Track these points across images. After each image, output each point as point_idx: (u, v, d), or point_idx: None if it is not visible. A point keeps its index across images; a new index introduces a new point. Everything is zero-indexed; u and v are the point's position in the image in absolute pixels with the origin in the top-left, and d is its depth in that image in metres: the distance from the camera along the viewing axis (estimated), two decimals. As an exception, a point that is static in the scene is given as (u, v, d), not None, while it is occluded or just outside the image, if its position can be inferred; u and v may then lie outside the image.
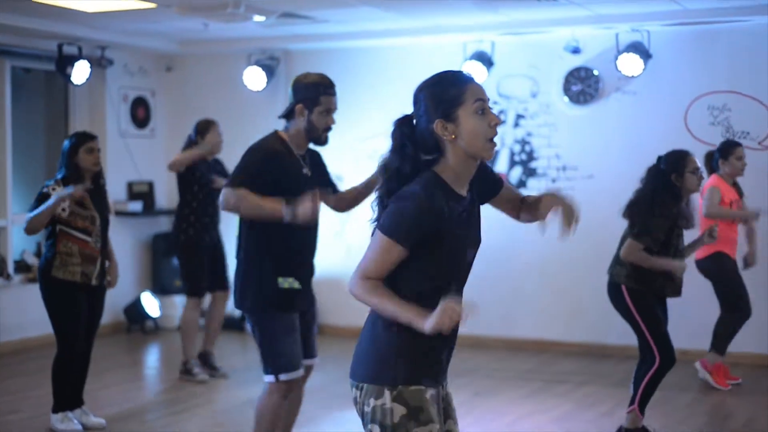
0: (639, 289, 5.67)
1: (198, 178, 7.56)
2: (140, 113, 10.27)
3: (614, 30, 8.52)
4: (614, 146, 8.73)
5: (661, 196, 5.64)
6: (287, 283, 4.69)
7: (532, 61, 9.05)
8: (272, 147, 4.70)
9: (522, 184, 9.11)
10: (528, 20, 8.61)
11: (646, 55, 8.38)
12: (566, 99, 8.93)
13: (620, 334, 8.51)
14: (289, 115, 4.77)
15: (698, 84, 8.46)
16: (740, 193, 7.41)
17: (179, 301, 9.94)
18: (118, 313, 9.80)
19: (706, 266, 7.35)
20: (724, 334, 7.35)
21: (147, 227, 10.24)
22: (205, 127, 7.67)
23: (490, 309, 9.13)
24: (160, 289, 10.06)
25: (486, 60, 8.92)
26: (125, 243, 9.96)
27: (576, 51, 8.71)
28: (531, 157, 9.09)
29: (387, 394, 2.91)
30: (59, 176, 6.07)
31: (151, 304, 9.84)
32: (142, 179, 10.18)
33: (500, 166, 9.19)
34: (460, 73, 3.03)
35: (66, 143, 6.16)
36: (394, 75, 9.46)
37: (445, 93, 2.94)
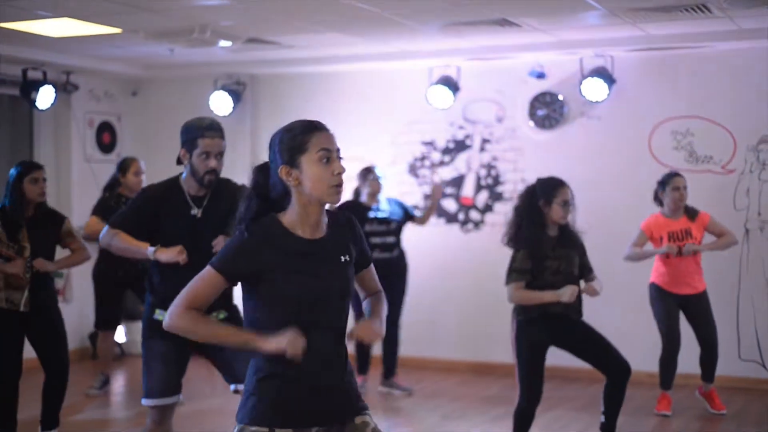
0: (523, 320, 5.70)
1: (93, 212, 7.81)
2: (106, 138, 10.22)
3: (578, 55, 8.60)
4: (579, 170, 8.77)
5: (526, 221, 5.68)
6: (162, 316, 4.71)
7: (497, 86, 9.10)
8: (155, 191, 4.83)
9: (488, 208, 9.14)
10: (493, 46, 8.67)
11: (610, 80, 8.45)
12: (531, 123, 8.98)
13: (587, 357, 8.56)
14: (178, 161, 4.86)
15: (662, 109, 8.54)
16: (692, 217, 7.34)
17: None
18: (83, 339, 9.71)
19: (650, 294, 7.43)
20: (661, 367, 7.38)
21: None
22: (125, 166, 7.91)
23: (456, 332, 9.14)
24: (126, 315, 9.95)
25: (452, 85, 8.96)
26: (89, 268, 9.88)
27: (541, 76, 8.78)
28: (497, 181, 9.13)
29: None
30: (1, 205, 6.03)
31: (117, 330, 9.74)
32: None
33: (467, 190, 9.22)
34: (310, 122, 3.14)
35: (12, 172, 6.10)
36: (361, 100, 9.49)
37: (291, 141, 3.08)
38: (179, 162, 4.83)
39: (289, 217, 3.09)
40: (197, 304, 3.05)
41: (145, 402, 4.80)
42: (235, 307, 4.93)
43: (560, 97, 8.86)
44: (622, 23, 7.64)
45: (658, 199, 7.40)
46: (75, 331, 9.27)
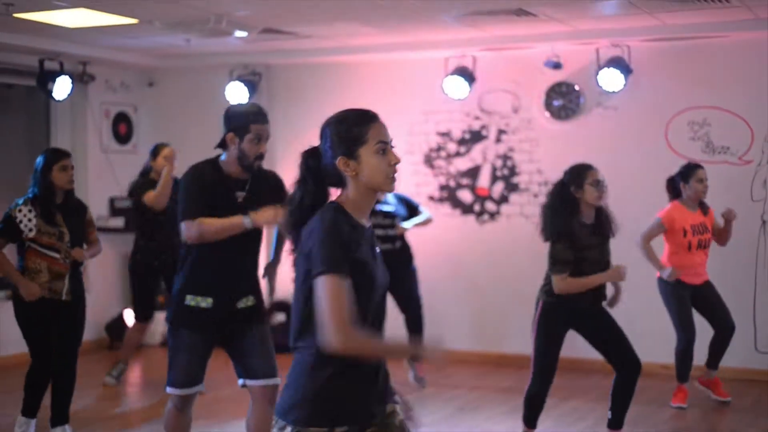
0: (553, 303, 5.70)
1: (140, 193, 7.78)
2: (122, 129, 10.25)
3: (594, 45, 8.56)
4: (595, 161, 8.61)
5: (558, 209, 5.66)
6: (195, 301, 4.75)
7: (513, 76, 9.08)
8: (199, 169, 4.82)
9: (504, 199, 9.12)
10: (509, 36, 8.64)
11: (626, 70, 8.42)
12: (548, 114, 8.96)
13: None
14: (222, 144, 4.83)
15: (678, 99, 8.50)
16: (705, 211, 7.33)
17: (162, 317, 9.89)
18: (100, 330, 9.76)
19: (659, 286, 7.35)
20: (678, 360, 7.35)
21: (129, 243, 10.14)
22: (156, 151, 7.91)
23: (471, 323, 9.14)
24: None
25: (468, 75, 8.94)
26: (107, 259, 9.92)
27: (557, 66, 8.74)
28: (513, 172, 9.11)
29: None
30: (30, 195, 6.02)
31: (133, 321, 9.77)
32: (124, 195, 10.12)
33: (482, 181, 9.21)
34: (364, 112, 3.13)
35: (39, 160, 6.10)
36: (377, 90, 9.47)
37: (348, 132, 3.06)
38: (221, 146, 4.82)
39: (349, 205, 3.08)
40: (350, 319, 2.89)
41: (169, 390, 4.85)
42: (260, 291, 4.97)
43: (576, 88, 8.83)
44: (638, 13, 7.60)
45: (675, 190, 7.32)
46: (92, 322, 9.26)
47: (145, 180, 7.89)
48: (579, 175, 5.68)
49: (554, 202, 5.71)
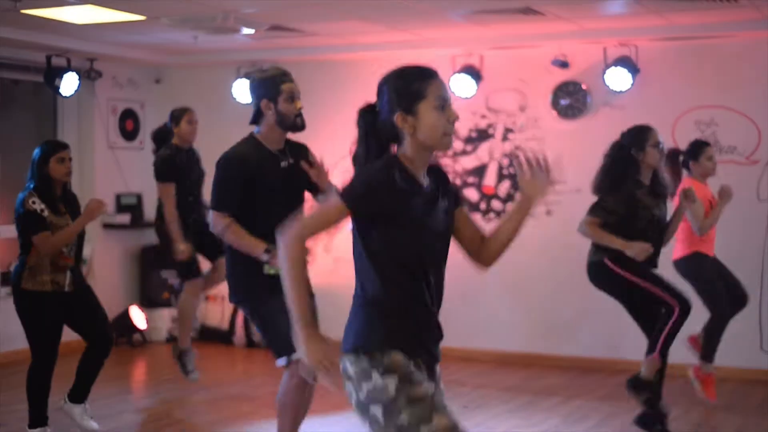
0: (618, 255, 5.67)
1: (178, 170, 7.59)
2: (129, 125, 10.26)
3: (602, 44, 8.55)
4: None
5: (619, 170, 5.66)
6: (273, 269, 4.71)
7: (520, 75, 9.07)
8: (240, 153, 4.78)
9: (510, 197, 9.12)
10: (516, 34, 8.63)
11: (634, 69, 8.41)
12: (555, 113, 8.95)
13: (608, 348, 8.54)
14: (257, 116, 4.81)
15: (686, 99, 8.49)
16: None
17: (167, 313, 9.92)
18: (105, 326, 9.75)
19: (683, 267, 7.19)
20: (710, 338, 7.28)
21: (135, 239, 10.21)
22: (178, 115, 7.68)
23: (477, 321, 9.14)
24: (148, 302, 10.03)
25: (474, 74, 8.94)
26: (113, 255, 9.95)
27: (564, 65, 8.73)
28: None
29: (375, 374, 2.97)
30: (31, 186, 5.99)
31: (138, 317, 9.81)
32: (130, 191, 10.16)
33: (489, 179, 9.20)
34: (424, 68, 3.12)
35: (36, 152, 6.05)
36: (383, 88, 9.46)
37: (407, 87, 3.05)
38: (255, 121, 4.82)
39: (406, 160, 3.08)
40: (313, 236, 3.02)
41: (296, 355, 4.54)
42: None
43: (583, 87, 8.82)
44: (646, 12, 7.59)
45: (684, 166, 7.23)
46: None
47: (169, 150, 7.57)
48: (641, 136, 5.68)
49: (615, 163, 5.70)
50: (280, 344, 4.65)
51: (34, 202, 5.91)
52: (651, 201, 5.70)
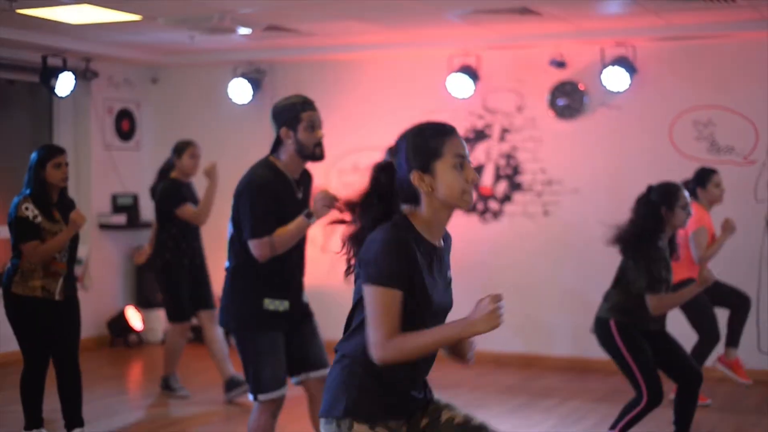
0: (627, 323, 5.63)
1: (175, 204, 7.49)
2: (125, 125, 10.23)
3: (600, 44, 8.54)
4: (600, 160, 8.73)
5: (649, 230, 5.61)
6: (273, 305, 4.69)
7: (517, 75, 9.05)
8: (263, 177, 4.70)
9: (507, 198, 9.10)
10: (513, 34, 8.62)
11: (631, 69, 8.39)
12: (552, 113, 8.93)
13: (605, 348, 8.52)
14: (277, 144, 4.76)
15: (683, 99, 8.48)
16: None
17: (163, 314, 9.89)
18: (101, 327, 9.75)
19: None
20: (698, 358, 7.31)
21: (131, 240, 10.19)
22: (181, 148, 7.57)
23: (475, 323, 9.11)
24: (144, 303, 10.01)
25: (472, 74, 8.92)
26: (109, 256, 9.92)
27: (561, 65, 8.72)
28: (516, 171, 9.09)
29: None
30: (27, 192, 5.90)
31: (134, 318, 9.79)
32: (126, 192, 10.13)
33: (486, 180, 9.18)
34: (442, 125, 3.02)
35: (33, 157, 5.96)
36: (380, 88, 9.46)
37: (424, 145, 2.96)
38: (275, 149, 4.76)
39: (419, 222, 2.98)
40: (395, 332, 2.88)
41: (263, 397, 4.67)
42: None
43: (581, 87, 8.81)
44: (643, 12, 7.58)
45: (692, 194, 7.27)
46: (93, 319, 9.30)
47: (171, 184, 7.50)
48: (671, 196, 5.62)
49: (647, 220, 5.64)
50: (255, 384, 4.71)
51: (27, 208, 5.83)
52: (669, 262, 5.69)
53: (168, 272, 7.53)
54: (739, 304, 7.33)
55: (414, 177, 2.94)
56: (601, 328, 5.72)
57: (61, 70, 8.89)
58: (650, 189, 5.74)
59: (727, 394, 7.70)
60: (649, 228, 5.60)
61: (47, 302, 5.93)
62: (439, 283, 3.05)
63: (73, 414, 6.10)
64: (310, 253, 5.16)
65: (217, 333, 7.54)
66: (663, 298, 5.53)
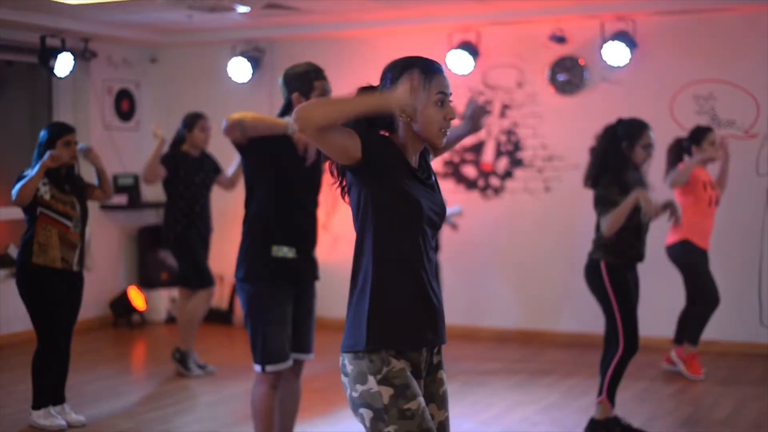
0: (617, 265, 5.64)
1: (182, 178, 7.53)
2: (125, 105, 10.21)
3: (600, 19, 8.50)
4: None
5: (609, 163, 5.64)
6: (281, 252, 4.71)
7: (517, 50, 9.02)
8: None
9: (508, 174, 9.09)
10: (513, 10, 8.59)
11: (632, 44, 8.36)
12: (552, 89, 8.91)
13: (607, 323, 8.54)
14: (287, 108, 4.80)
15: (684, 73, 8.45)
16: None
17: (166, 294, 9.92)
18: (104, 307, 9.76)
19: (673, 253, 7.37)
20: (694, 326, 7.35)
21: (133, 220, 10.19)
22: (191, 122, 7.60)
23: (476, 298, 9.13)
24: (147, 283, 10.03)
25: (472, 50, 8.89)
26: (111, 236, 9.93)
27: (561, 40, 8.68)
28: (517, 147, 9.07)
29: (371, 379, 2.96)
30: (37, 167, 5.96)
31: (137, 298, 9.80)
32: (127, 172, 10.12)
33: (487, 156, 9.17)
34: (429, 61, 3.11)
35: (43, 134, 6.04)
36: (379, 65, 9.39)
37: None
38: (286, 111, 4.79)
39: (398, 144, 3.08)
40: (324, 122, 2.92)
41: (271, 368, 4.69)
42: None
43: (581, 62, 8.78)
44: (644, -14, 7.54)
45: (679, 153, 7.32)
46: (95, 299, 9.30)
47: (176, 152, 7.61)
48: (633, 133, 5.65)
49: (605, 152, 5.67)
50: (263, 354, 4.71)
51: (45, 183, 5.90)
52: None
53: (182, 242, 7.59)
54: (708, 300, 7.33)
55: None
56: (590, 269, 5.75)
57: (60, 51, 8.87)
58: (618, 122, 5.76)
59: (728, 368, 7.72)
60: (610, 161, 5.62)
61: (66, 273, 6.00)
62: (424, 195, 3.08)
63: (60, 390, 6.16)
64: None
65: (203, 311, 7.65)
66: (613, 217, 5.53)
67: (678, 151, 7.39)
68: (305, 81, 4.74)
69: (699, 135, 7.32)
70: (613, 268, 5.64)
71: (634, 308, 5.69)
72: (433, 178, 3.20)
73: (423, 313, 3.06)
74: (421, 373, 3.09)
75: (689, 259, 7.31)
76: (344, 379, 3.04)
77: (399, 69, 3.09)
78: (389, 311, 3.00)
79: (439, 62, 3.12)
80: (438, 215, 3.12)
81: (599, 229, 5.69)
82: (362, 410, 2.99)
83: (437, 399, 3.15)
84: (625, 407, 6.35)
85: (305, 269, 4.85)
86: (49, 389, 6.10)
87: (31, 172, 5.89)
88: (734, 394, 6.97)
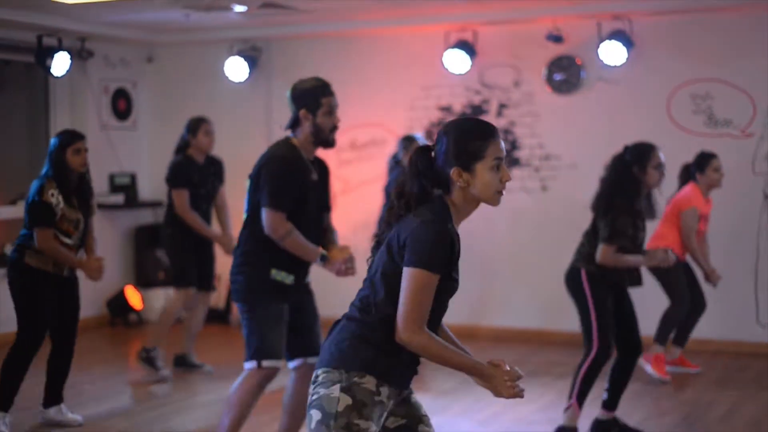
0: (597, 274, 5.65)
1: (187, 182, 7.48)
2: (121, 105, 10.20)
3: (596, 18, 8.51)
4: (597, 135, 8.71)
5: (622, 189, 5.63)
6: (280, 276, 4.78)
7: (514, 50, 9.02)
8: (287, 155, 4.80)
9: (505, 173, 9.10)
10: (510, 9, 8.59)
11: (628, 43, 8.37)
12: (549, 88, 8.91)
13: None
14: (294, 124, 4.84)
15: (681, 72, 8.46)
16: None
17: (163, 293, 9.90)
18: (101, 307, 9.76)
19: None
20: (662, 326, 7.43)
21: (129, 220, 10.19)
22: (195, 126, 7.56)
23: (473, 299, 9.13)
24: (144, 282, 10.02)
25: (468, 49, 8.89)
26: (107, 236, 9.89)
27: (558, 40, 8.69)
28: (514, 146, 9.08)
29: (336, 387, 3.02)
30: (50, 175, 5.93)
31: (134, 297, 9.80)
32: (124, 171, 10.12)
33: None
34: (486, 125, 3.16)
35: (53, 141, 6.03)
36: (377, 65, 9.43)
37: (468, 145, 3.09)
38: (293, 126, 4.84)
39: (452, 208, 3.13)
40: (426, 317, 3.03)
41: (267, 363, 4.72)
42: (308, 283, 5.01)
43: (578, 61, 8.79)
44: (640, -14, 7.55)
45: (691, 176, 7.34)
46: (93, 298, 9.29)
47: (181, 162, 7.49)
48: (643, 156, 5.64)
49: (618, 179, 5.66)
50: (260, 350, 4.74)
51: (53, 195, 5.89)
52: (641, 222, 5.68)
53: (174, 241, 7.58)
54: (677, 304, 7.40)
55: (454, 173, 3.09)
56: (571, 276, 5.77)
57: (57, 50, 8.85)
58: (626, 149, 5.77)
59: (725, 367, 7.74)
60: (623, 187, 5.62)
61: (56, 278, 6.01)
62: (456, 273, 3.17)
63: (58, 390, 6.18)
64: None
65: (202, 315, 7.73)
66: (616, 255, 5.54)
67: (686, 175, 7.43)
68: (313, 97, 4.80)
69: (703, 162, 7.35)
70: (593, 277, 5.66)
71: (610, 317, 5.69)
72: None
73: (405, 362, 3.13)
74: (389, 407, 3.14)
75: (671, 270, 7.31)
76: (310, 389, 3.11)
77: (454, 135, 3.12)
78: (381, 352, 3.06)
79: (494, 126, 3.18)
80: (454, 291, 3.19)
81: (588, 239, 5.70)
82: (312, 411, 3.04)
83: (424, 419, 3.23)
84: (622, 407, 6.34)
85: (299, 294, 4.93)
86: (15, 394, 6.00)
87: (68, 257, 5.95)
88: (731, 394, 6.98)
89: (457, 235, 3.11)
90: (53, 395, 6.19)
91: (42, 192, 5.87)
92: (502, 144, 3.15)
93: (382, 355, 3.05)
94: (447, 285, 3.07)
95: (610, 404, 5.88)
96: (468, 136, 3.10)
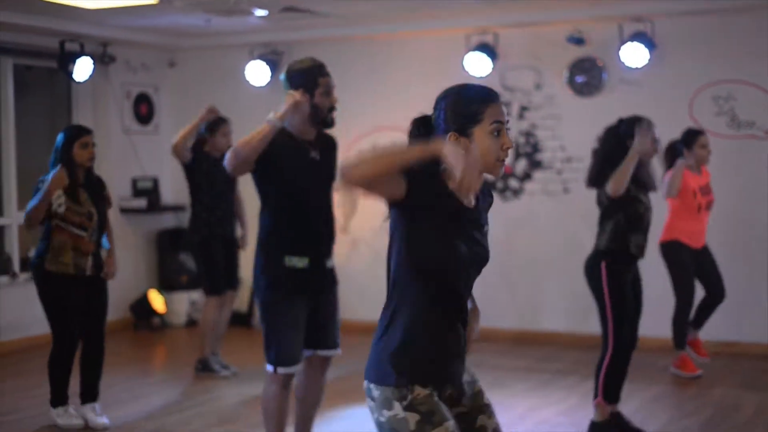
0: (617, 268, 5.63)
1: (205, 174, 7.55)
2: (143, 109, 10.25)
3: (618, 20, 8.48)
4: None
5: (615, 162, 5.63)
6: (291, 262, 4.72)
7: (536, 52, 9.01)
8: (274, 139, 4.70)
9: (527, 176, 9.08)
10: (531, 11, 8.58)
11: (650, 45, 8.34)
12: (570, 90, 8.89)
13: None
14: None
15: (703, 74, 8.42)
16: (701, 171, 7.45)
17: (186, 297, 9.94)
18: (124, 310, 9.80)
19: (663, 250, 7.42)
20: (676, 326, 7.40)
21: (152, 223, 10.23)
22: (214, 126, 7.63)
23: (495, 301, 9.12)
24: (167, 286, 10.06)
25: (490, 52, 8.88)
26: (130, 239, 9.95)
27: (580, 42, 8.66)
28: (536, 149, 9.06)
29: (397, 405, 2.92)
30: (57, 168, 6.00)
31: (157, 301, 9.84)
32: (146, 175, 10.17)
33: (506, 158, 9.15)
34: (484, 89, 3.02)
35: (60, 137, 6.08)
36: (398, 68, 9.43)
37: (465, 108, 2.95)
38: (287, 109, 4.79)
39: (449, 178, 2.96)
40: (368, 177, 2.76)
41: (282, 370, 4.73)
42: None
43: (599, 64, 8.76)
44: (662, -13, 7.52)
45: (680, 154, 7.32)
46: (116, 302, 9.30)
47: (199, 154, 7.59)
48: (635, 129, 5.65)
49: (612, 153, 5.67)
50: (276, 357, 4.74)
51: (59, 197, 5.94)
52: (639, 193, 5.67)
53: (206, 246, 7.62)
54: (714, 293, 7.39)
55: (450, 137, 2.93)
56: (590, 267, 5.77)
57: (79, 56, 8.91)
58: (620, 121, 5.77)
59: (748, 370, 7.69)
60: (615, 160, 5.62)
61: (79, 279, 6.08)
62: (473, 238, 3.03)
63: (92, 387, 6.28)
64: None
65: (227, 314, 7.78)
66: (617, 176, 5.52)
67: (672, 154, 7.38)
68: (309, 77, 4.74)
69: (690, 138, 7.36)
70: (613, 270, 5.64)
71: (629, 313, 5.68)
72: (485, 221, 3.13)
73: (449, 354, 3.03)
74: (452, 399, 3.08)
75: (676, 257, 7.36)
76: (370, 403, 3.01)
77: (451, 99, 2.99)
78: (418, 350, 2.96)
79: (493, 90, 3.04)
80: (477, 261, 3.07)
81: (602, 229, 5.70)
82: None
83: (485, 409, 3.17)
84: (644, 409, 6.34)
85: (319, 279, 4.84)
86: (65, 389, 6.22)
87: (36, 198, 5.94)
88: (754, 397, 6.93)
89: (461, 204, 2.96)
90: (89, 391, 6.29)
91: (41, 182, 5.97)
92: (504, 108, 3.00)
93: (420, 360, 2.95)
94: (444, 229, 2.91)
95: (609, 397, 5.85)
96: (465, 98, 2.97)
